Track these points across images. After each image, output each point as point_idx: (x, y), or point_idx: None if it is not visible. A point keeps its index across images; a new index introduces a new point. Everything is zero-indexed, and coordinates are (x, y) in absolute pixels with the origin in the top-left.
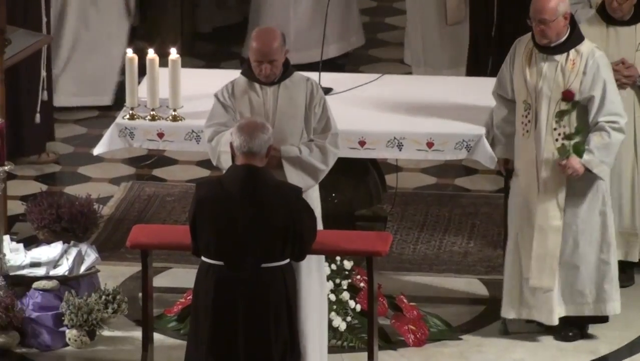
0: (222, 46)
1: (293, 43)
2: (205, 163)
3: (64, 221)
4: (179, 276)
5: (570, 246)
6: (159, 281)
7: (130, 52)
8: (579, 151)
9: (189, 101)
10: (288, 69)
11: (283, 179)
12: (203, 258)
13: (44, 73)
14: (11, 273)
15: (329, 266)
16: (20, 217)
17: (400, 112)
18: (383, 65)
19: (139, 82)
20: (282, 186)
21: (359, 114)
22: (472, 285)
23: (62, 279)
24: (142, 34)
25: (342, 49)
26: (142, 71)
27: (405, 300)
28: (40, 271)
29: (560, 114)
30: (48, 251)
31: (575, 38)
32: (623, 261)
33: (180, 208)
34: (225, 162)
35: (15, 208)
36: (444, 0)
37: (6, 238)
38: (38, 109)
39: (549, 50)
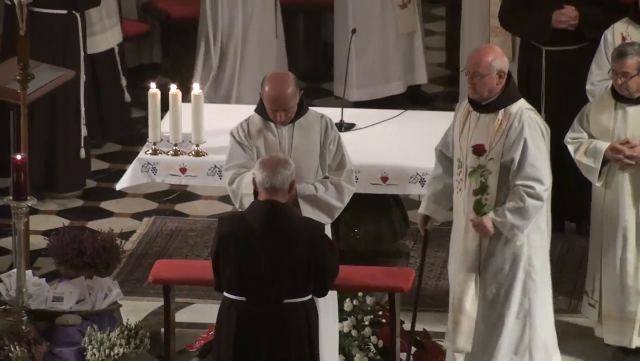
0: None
1: (355, 80)
2: (228, 198)
3: (86, 256)
4: (201, 312)
5: (487, 309)
6: (181, 316)
7: (153, 87)
8: (478, 209)
9: (212, 136)
10: (302, 107)
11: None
12: (225, 294)
13: (83, 108)
14: (33, 308)
15: (351, 301)
16: (43, 252)
17: (422, 148)
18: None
19: (162, 117)
20: (304, 221)
21: (381, 149)
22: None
23: (84, 314)
24: (165, 70)
25: (404, 87)
26: (165, 106)
27: (427, 337)
28: (62, 306)
29: (472, 172)
30: (70, 286)
31: (507, 97)
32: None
33: (202, 243)
34: (248, 205)
35: (38, 242)
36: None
37: (29, 272)
38: (82, 144)
39: (481, 107)
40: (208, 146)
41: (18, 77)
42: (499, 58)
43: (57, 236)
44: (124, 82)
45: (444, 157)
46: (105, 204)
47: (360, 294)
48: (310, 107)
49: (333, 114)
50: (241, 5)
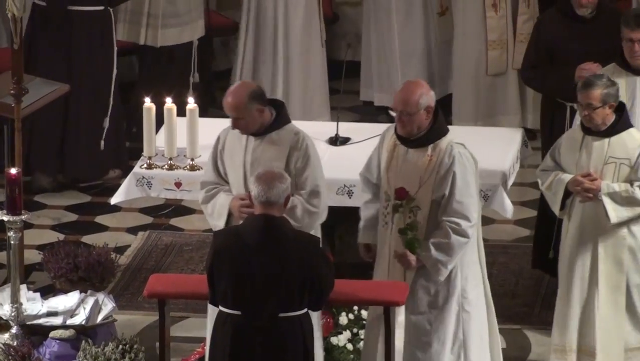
0: None
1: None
2: None
3: (81, 270)
4: (196, 326)
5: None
6: (176, 330)
7: (148, 101)
8: (412, 246)
9: (207, 150)
10: (278, 121)
11: None
12: (220, 308)
13: (111, 102)
14: (28, 323)
15: (347, 315)
16: (37, 266)
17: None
18: None
19: (157, 132)
20: (300, 235)
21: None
22: None
23: (79, 329)
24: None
25: (443, 92)
26: (159, 120)
27: None
28: (57, 321)
29: (398, 207)
30: (65, 301)
31: (435, 132)
32: None
33: (197, 257)
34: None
35: (32, 257)
36: (485, 51)
37: (23, 287)
38: (103, 136)
39: (409, 143)
40: (203, 160)
41: (12, 91)
42: (426, 94)
43: (51, 251)
44: (195, 78)
45: (369, 182)
46: (100, 219)
47: (355, 307)
48: (292, 123)
49: (329, 128)
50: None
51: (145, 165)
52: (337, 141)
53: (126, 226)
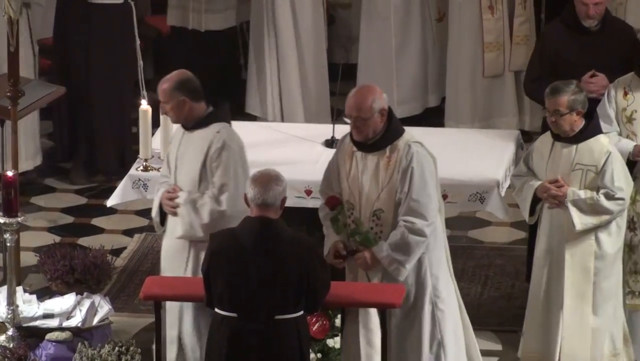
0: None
1: (396, 97)
2: None
3: (77, 272)
4: None
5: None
6: None
7: (144, 103)
8: (368, 242)
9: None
10: (208, 118)
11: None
12: (216, 310)
13: (144, 92)
14: (24, 325)
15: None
16: (34, 268)
17: None
18: None
19: (153, 134)
20: (296, 238)
21: None
22: (485, 337)
23: (75, 331)
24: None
25: (440, 98)
26: (155, 123)
27: None
28: (53, 323)
29: (332, 221)
30: (61, 303)
31: (391, 134)
32: None
33: None
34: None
35: (29, 259)
36: (482, 53)
37: (19, 289)
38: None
39: (366, 147)
40: None
41: (8, 94)
42: (379, 98)
43: (48, 253)
44: (242, 60)
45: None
46: (96, 221)
47: None
48: (224, 123)
49: (326, 130)
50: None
51: (141, 167)
52: (333, 143)
53: (122, 228)
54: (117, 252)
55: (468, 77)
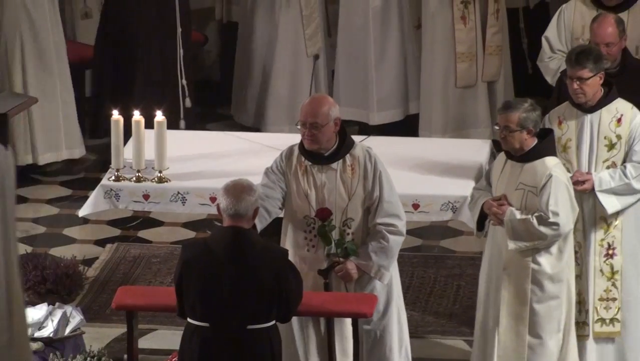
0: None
1: (376, 103)
2: (191, 225)
3: (49, 282)
4: (165, 338)
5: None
6: (144, 343)
7: (116, 113)
8: (352, 253)
9: (175, 162)
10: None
11: None
12: (189, 320)
13: (183, 82)
14: None
15: None
16: None
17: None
18: None
19: (125, 144)
20: (268, 248)
21: None
22: (457, 347)
23: (47, 341)
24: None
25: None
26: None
27: None
28: None
29: (319, 231)
30: (33, 313)
31: (348, 143)
32: None
33: (165, 269)
34: None
35: None
36: (455, 63)
37: None
38: (182, 115)
39: (324, 159)
40: (171, 172)
41: None
42: (334, 106)
43: (19, 263)
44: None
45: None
46: (68, 231)
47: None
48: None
49: (298, 139)
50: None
51: (113, 177)
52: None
53: (94, 238)
54: (89, 262)
55: (440, 88)
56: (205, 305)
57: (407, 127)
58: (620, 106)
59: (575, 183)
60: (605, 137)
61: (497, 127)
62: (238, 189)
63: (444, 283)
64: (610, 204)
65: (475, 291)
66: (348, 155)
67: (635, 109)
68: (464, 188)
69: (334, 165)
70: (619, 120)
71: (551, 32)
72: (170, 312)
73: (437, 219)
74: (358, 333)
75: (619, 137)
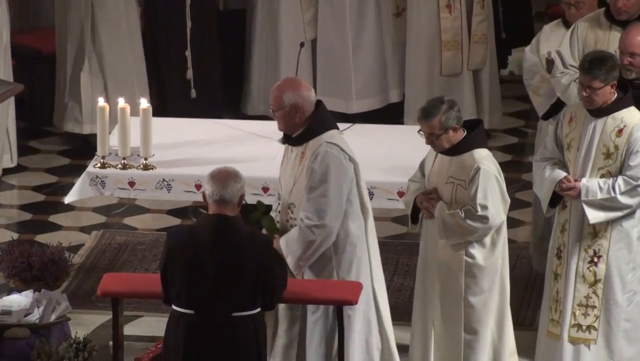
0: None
1: (355, 92)
2: (176, 212)
3: (35, 269)
4: (150, 325)
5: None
6: (129, 329)
7: (101, 101)
8: (271, 230)
9: (160, 149)
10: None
11: None
12: (174, 307)
13: (187, 53)
14: None
15: None
16: None
17: (371, 161)
18: None
19: (110, 131)
20: (253, 235)
21: None
22: None
23: (32, 328)
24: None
25: (401, 95)
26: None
27: None
28: (11, 319)
29: (261, 214)
30: (19, 300)
31: (309, 132)
32: None
33: (151, 256)
34: None
35: None
36: (440, 52)
37: None
38: (191, 84)
39: (290, 141)
40: (156, 159)
41: None
42: (294, 92)
43: (5, 250)
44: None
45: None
46: (54, 218)
47: None
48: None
49: None
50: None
51: (98, 164)
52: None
53: (80, 225)
54: (74, 249)
55: (425, 76)
56: (191, 292)
57: (388, 115)
58: (627, 116)
59: (562, 189)
60: (604, 145)
61: (421, 134)
62: (224, 176)
63: (406, 269)
64: (594, 215)
65: None
66: (306, 143)
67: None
68: None
69: (296, 149)
70: (620, 130)
71: (564, 47)
72: (155, 299)
73: None
74: (343, 320)
75: (616, 147)
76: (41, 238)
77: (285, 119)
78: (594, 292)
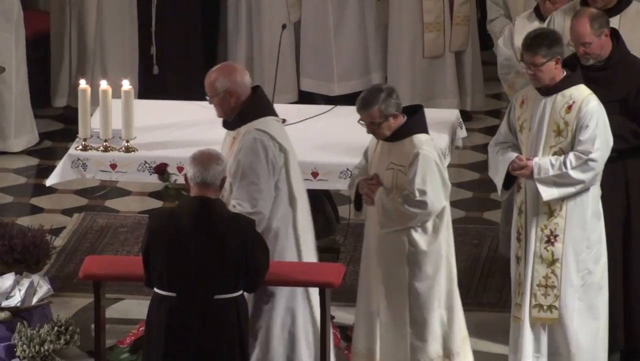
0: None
1: (337, 74)
2: (158, 194)
3: (16, 252)
4: (132, 308)
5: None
6: (111, 312)
7: (83, 83)
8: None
9: (142, 132)
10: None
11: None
12: (156, 289)
13: (152, 29)
14: None
15: None
16: None
17: (353, 143)
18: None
19: (92, 113)
20: (235, 217)
21: (312, 145)
22: None
23: (14, 311)
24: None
25: (384, 78)
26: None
27: None
28: None
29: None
30: (0, 282)
31: (241, 117)
32: None
33: (133, 239)
34: None
35: None
36: (422, 33)
37: None
38: (153, 61)
39: (226, 125)
40: (138, 142)
41: None
42: (226, 78)
43: None
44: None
45: None
46: (35, 200)
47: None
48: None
49: None
50: None
51: (80, 147)
52: None
53: (61, 207)
54: (56, 232)
55: (408, 58)
56: (172, 274)
57: None
58: (576, 93)
59: (514, 169)
60: (554, 123)
61: (361, 123)
62: (206, 158)
63: None
64: (547, 192)
65: None
66: (240, 129)
67: (589, 98)
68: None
69: (230, 133)
70: (569, 107)
71: None
72: (137, 282)
73: None
74: (325, 303)
75: (566, 124)
76: (23, 220)
77: (222, 105)
78: (553, 272)
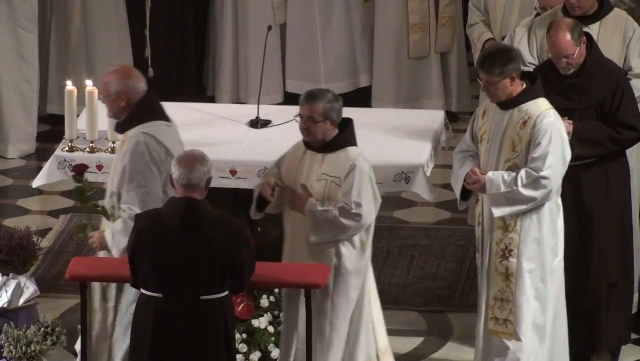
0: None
1: (323, 75)
2: None
3: (3, 253)
4: None
5: None
6: None
7: (69, 84)
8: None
9: None
10: None
11: None
12: (142, 290)
13: (146, 31)
14: None
15: (267, 298)
16: None
17: None
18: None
19: (78, 115)
20: (221, 218)
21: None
22: (410, 317)
23: (0, 312)
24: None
25: (371, 79)
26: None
27: None
28: None
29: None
30: None
31: (130, 120)
32: None
33: None
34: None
35: None
36: (407, 34)
37: None
38: (149, 63)
39: (117, 128)
40: None
41: None
42: (117, 80)
43: None
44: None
45: None
46: (22, 202)
47: (276, 290)
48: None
49: (251, 111)
50: None
51: (66, 148)
52: (257, 123)
53: (48, 209)
54: (42, 233)
55: (393, 58)
56: (158, 275)
57: (357, 99)
58: (533, 108)
59: (467, 183)
60: (510, 138)
61: (298, 119)
62: (191, 159)
63: (397, 253)
64: (499, 209)
65: (429, 261)
66: (128, 132)
67: (544, 113)
68: (417, 158)
69: (120, 136)
70: (524, 122)
71: (522, 46)
72: (123, 283)
73: (391, 190)
74: (311, 304)
75: (521, 139)
76: (9, 221)
77: (111, 106)
78: (508, 286)
